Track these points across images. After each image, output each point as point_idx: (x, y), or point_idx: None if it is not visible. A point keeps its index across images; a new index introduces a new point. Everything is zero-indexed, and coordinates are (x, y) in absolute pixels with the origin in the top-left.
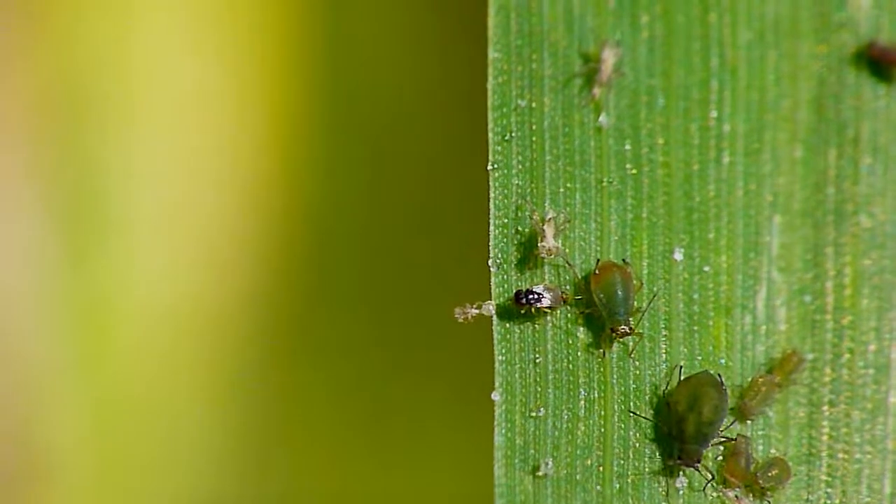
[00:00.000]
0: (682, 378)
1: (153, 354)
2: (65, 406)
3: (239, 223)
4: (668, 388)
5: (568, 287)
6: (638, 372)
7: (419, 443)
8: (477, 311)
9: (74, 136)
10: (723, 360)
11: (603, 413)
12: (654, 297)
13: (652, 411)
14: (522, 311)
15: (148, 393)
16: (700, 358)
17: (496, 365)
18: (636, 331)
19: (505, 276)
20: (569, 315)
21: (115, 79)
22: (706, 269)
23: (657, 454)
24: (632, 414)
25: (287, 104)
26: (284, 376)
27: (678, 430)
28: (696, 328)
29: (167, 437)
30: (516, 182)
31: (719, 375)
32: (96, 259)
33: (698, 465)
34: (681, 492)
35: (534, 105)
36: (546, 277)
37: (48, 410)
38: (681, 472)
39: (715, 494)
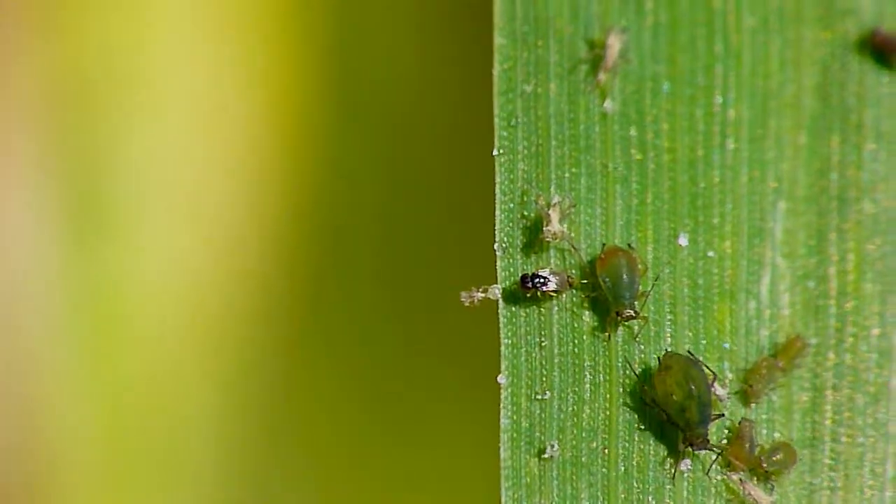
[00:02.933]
0: (660, 367)
1: (161, 339)
2: (73, 390)
3: (247, 208)
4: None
5: (573, 271)
6: (643, 356)
7: (426, 424)
8: (483, 295)
9: (83, 123)
10: (727, 345)
11: (608, 396)
12: (657, 279)
13: (651, 401)
14: (528, 295)
15: (156, 378)
16: (705, 342)
17: (502, 348)
18: (641, 315)
19: (511, 261)
20: (574, 299)
21: (123, 65)
22: (710, 254)
23: (662, 437)
24: (641, 400)
25: (296, 87)
26: (294, 359)
27: (683, 420)
28: (700, 312)
29: (176, 423)
30: (522, 167)
31: (690, 352)
32: (105, 245)
33: (709, 445)
34: (686, 475)
35: (539, 91)
36: (552, 262)
37: (55, 397)
38: (686, 455)
39: (720, 478)
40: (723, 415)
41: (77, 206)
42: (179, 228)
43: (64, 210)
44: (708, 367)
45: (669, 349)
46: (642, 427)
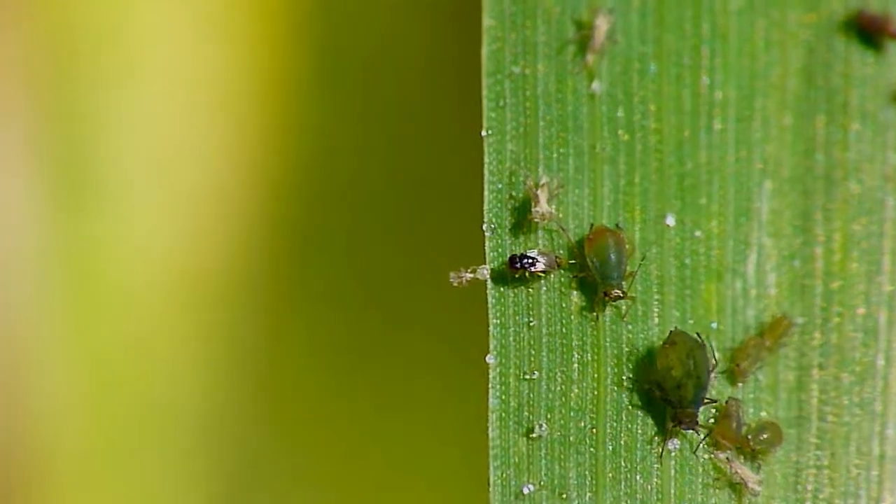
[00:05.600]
0: (666, 341)
1: (146, 308)
2: (59, 362)
3: (231, 177)
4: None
5: (562, 251)
6: (630, 335)
7: (414, 405)
8: (472, 276)
9: (68, 93)
10: (714, 324)
11: (596, 376)
12: (643, 259)
13: (644, 377)
14: (517, 276)
15: (141, 346)
16: (692, 321)
17: (491, 328)
18: (629, 295)
19: (499, 241)
20: (562, 279)
21: (108, 35)
22: (697, 234)
23: (650, 417)
24: (631, 379)
25: (280, 60)
26: (277, 331)
27: (676, 397)
28: (687, 292)
29: (159, 391)
30: (510, 148)
31: (698, 334)
32: (89, 214)
33: (697, 426)
34: (673, 454)
35: (527, 72)
36: (540, 242)
37: (42, 366)
38: (674, 435)
39: (707, 457)
40: (716, 401)
41: (60, 174)
42: (162, 196)
43: (47, 179)
44: (714, 357)
45: (657, 328)
46: (630, 407)
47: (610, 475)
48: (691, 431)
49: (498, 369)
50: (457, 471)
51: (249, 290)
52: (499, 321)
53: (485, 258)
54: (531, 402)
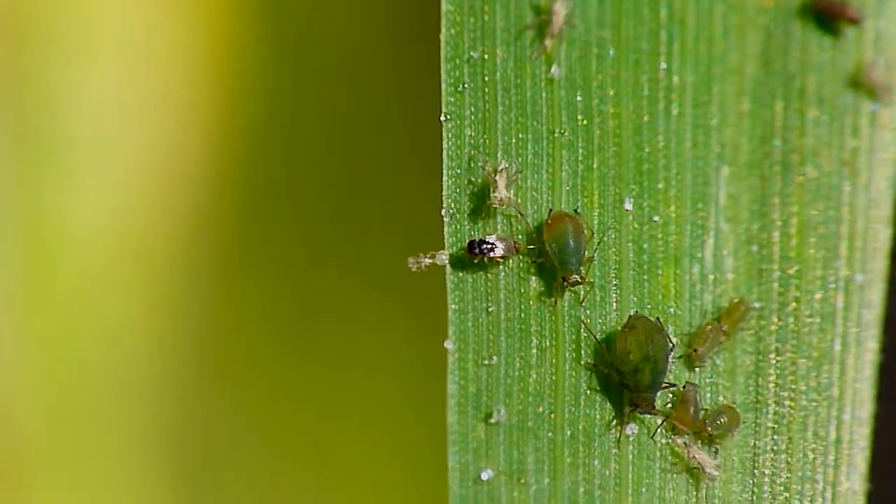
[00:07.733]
0: (626, 325)
1: (99, 278)
2: (9, 335)
3: (183, 147)
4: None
5: (520, 237)
6: (589, 320)
7: (371, 393)
8: (430, 261)
9: (20, 59)
10: (672, 309)
11: (554, 361)
12: (600, 243)
13: (602, 360)
14: (475, 261)
15: (94, 316)
16: (650, 306)
17: (449, 314)
18: (587, 280)
19: (458, 226)
20: (521, 264)
21: (61, 3)
22: (656, 218)
23: (608, 401)
24: (589, 364)
25: (237, 34)
26: (231, 300)
27: (634, 381)
28: (645, 277)
29: (111, 361)
30: (469, 133)
31: (658, 319)
32: (42, 184)
33: (654, 410)
34: (631, 438)
35: (486, 57)
36: (499, 227)
37: None
38: (631, 420)
39: (664, 442)
40: (674, 385)
41: (11, 146)
42: (112, 166)
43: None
44: (670, 339)
45: (615, 313)
46: (588, 391)
47: (568, 460)
48: (649, 416)
49: (456, 354)
50: (415, 456)
51: (203, 259)
52: (457, 306)
53: (444, 243)
54: (489, 388)
